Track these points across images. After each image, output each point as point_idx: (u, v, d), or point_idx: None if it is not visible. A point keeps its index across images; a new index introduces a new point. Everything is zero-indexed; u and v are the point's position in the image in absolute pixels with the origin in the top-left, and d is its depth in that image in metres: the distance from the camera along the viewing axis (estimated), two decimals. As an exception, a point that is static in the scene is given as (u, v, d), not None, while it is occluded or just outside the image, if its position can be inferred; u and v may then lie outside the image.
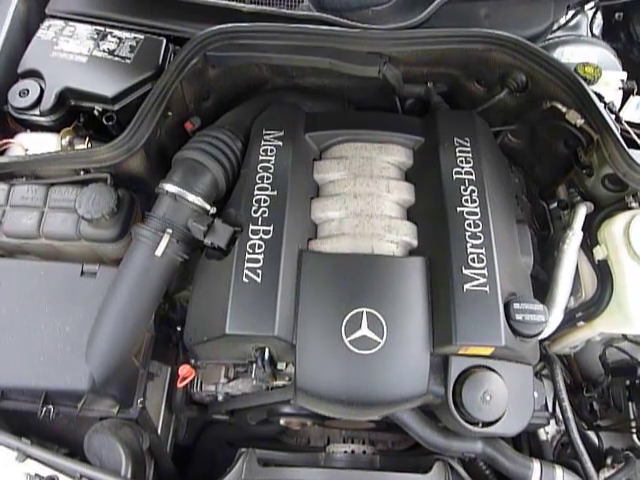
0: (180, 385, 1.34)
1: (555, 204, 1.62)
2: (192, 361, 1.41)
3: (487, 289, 1.21)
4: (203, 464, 1.79)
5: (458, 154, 1.42)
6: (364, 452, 1.50)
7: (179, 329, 1.54)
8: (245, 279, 1.21)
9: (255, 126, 1.49)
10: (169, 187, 1.31)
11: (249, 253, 1.25)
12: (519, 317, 1.19)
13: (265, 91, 1.67)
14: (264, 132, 1.46)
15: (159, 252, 1.25)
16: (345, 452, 1.48)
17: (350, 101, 1.75)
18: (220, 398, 1.55)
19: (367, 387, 1.18)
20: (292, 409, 1.49)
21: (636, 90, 1.54)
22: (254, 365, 1.32)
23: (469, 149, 1.43)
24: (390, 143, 1.50)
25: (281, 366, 1.33)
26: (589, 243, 1.41)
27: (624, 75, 1.55)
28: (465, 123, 1.50)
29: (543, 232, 1.64)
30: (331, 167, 1.46)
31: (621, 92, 1.52)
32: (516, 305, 1.21)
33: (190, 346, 1.29)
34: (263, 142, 1.43)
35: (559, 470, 1.23)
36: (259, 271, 1.22)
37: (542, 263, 1.56)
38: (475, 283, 1.21)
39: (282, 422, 1.57)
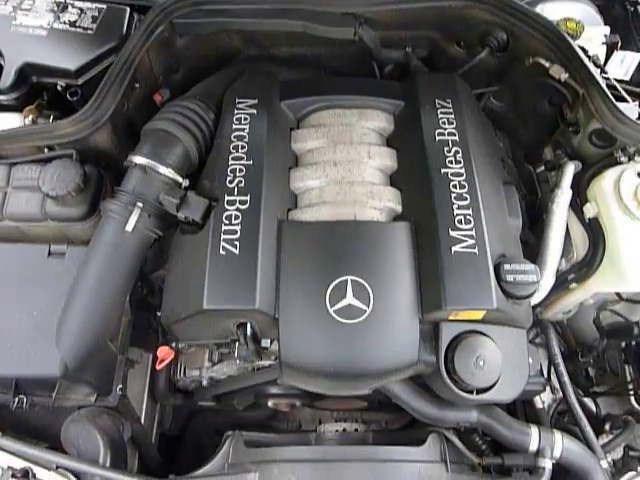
0: (159, 367, 1.27)
1: (542, 167, 1.57)
2: (172, 343, 1.34)
3: (476, 250, 1.16)
4: (191, 453, 1.73)
5: (440, 116, 1.36)
6: (356, 430, 1.45)
7: (159, 314, 1.48)
8: (222, 251, 1.15)
9: (227, 95, 1.42)
10: (138, 159, 1.24)
11: (225, 224, 1.18)
12: (510, 278, 1.14)
13: (238, 61, 1.60)
14: (237, 101, 1.39)
15: (130, 227, 1.18)
16: (337, 431, 1.43)
17: (327, 70, 1.69)
18: (205, 383, 1.50)
19: (355, 358, 1.12)
20: (279, 389, 1.44)
21: (620, 44, 1.49)
22: (237, 343, 1.27)
23: (451, 110, 1.38)
24: (370, 108, 1.44)
25: (265, 343, 1.27)
26: (578, 202, 1.36)
27: (607, 30, 1.50)
28: (446, 85, 1.45)
29: (531, 196, 1.60)
30: (309, 135, 1.40)
31: (605, 47, 1.48)
32: (506, 266, 1.16)
33: (168, 326, 1.23)
34: (236, 111, 1.36)
35: (558, 435, 1.18)
36: (237, 242, 1.16)
37: (531, 228, 1.51)
38: (463, 245, 1.16)
39: (270, 404, 1.51)
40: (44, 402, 1.25)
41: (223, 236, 1.16)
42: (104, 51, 1.38)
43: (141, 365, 1.54)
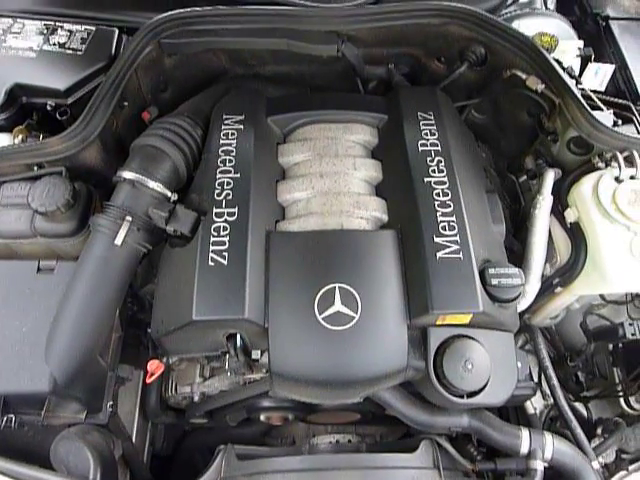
0: (149, 380, 1.27)
1: (524, 176, 1.61)
2: (163, 358, 1.34)
3: (460, 256, 1.18)
4: (183, 473, 1.71)
5: (422, 127, 1.40)
6: (349, 441, 1.44)
7: (149, 330, 1.48)
8: (211, 262, 1.16)
9: (215, 111, 1.45)
10: (127, 174, 1.25)
11: (214, 236, 1.20)
12: (495, 282, 1.17)
13: (225, 80, 1.64)
14: (224, 117, 1.42)
15: (119, 241, 1.19)
16: (330, 442, 1.42)
17: (312, 87, 1.73)
18: (196, 399, 1.49)
19: (344, 365, 1.13)
20: (271, 402, 1.44)
21: (593, 57, 1.55)
22: (227, 356, 1.27)
23: (433, 122, 1.42)
24: (354, 122, 1.48)
25: (256, 355, 1.27)
26: (560, 208, 1.39)
27: (580, 43, 1.56)
28: (427, 98, 1.49)
29: (514, 205, 1.63)
30: (295, 149, 1.43)
31: (579, 60, 1.54)
32: (491, 270, 1.18)
33: (158, 339, 1.23)
34: (223, 126, 1.39)
35: (549, 436, 1.19)
36: (225, 254, 1.17)
37: (515, 236, 1.54)
38: (448, 251, 1.19)
39: (263, 418, 1.50)
40: (33, 421, 1.23)
41: (212, 247, 1.18)
42: (93, 71, 1.42)
43: (132, 383, 1.53)
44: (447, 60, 1.61)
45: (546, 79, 1.40)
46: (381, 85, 1.71)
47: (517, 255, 1.44)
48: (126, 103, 1.43)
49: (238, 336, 1.19)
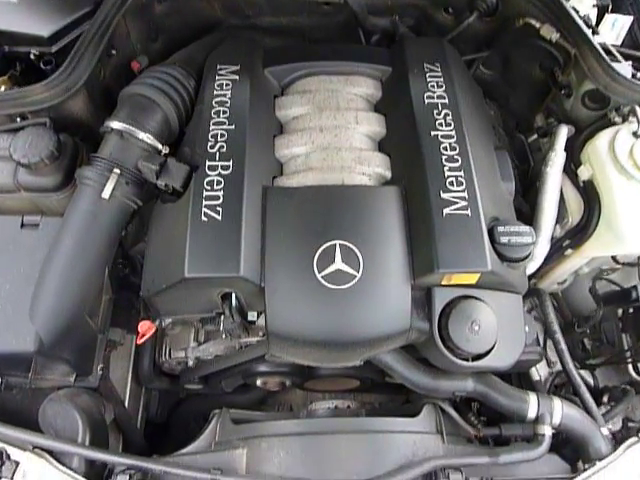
0: (140, 341, 1.21)
1: (534, 136, 1.53)
2: (155, 320, 1.29)
3: (468, 212, 1.11)
4: (178, 439, 1.67)
5: (429, 79, 1.32)
6: (348, 407, 1.40)
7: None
8: (204, 218, 1.10)
9: (208, 61, 1.37)
10: (115, 124, 1.18)
11: (207, 190, 1.13)
12: (504, 240, 1.10)
13: (219, 30, 1.55)
14: (218, 67, 1.34)
15: (106, 194, 1.12)
16: (328, 408, 1.38)
17: (311, 41, 1.64)
18: (191, 364, 1.44)
19: (345, 325, 1.07)
20: (268, 367, 1.39)
21: (610, 8, 1.46)
22: (222, 317, 1.21)
23: (440, 74, 1.34)
24: (356, 75, 1.40)
25: (252, 316, 1.21)
26: (572, 167, 1.32)
27: (597, -8, 1.47)
28: (434, 49, 1.41)
29: (523, 166, 1.56)
30: (294, 102, 1.35)
31: (595, 10, 1.44)
32: (500, 228, 1.12)
33: (148, 299, 1.17)
34: (217, 77, 1.31)
35: (557, 401, 1.14)
36: (219, 208, 1.11)
37: (524, 197, 1.48)
38: (455, 207, 1.12)
39: (259, 383, 1.46)
40: (21, 383, 1.19)
41: (205, 202, 1.11)
42: (79, 16, 1.33)
43: (124, 347, 1.48)
44: (455, 10, 1.52)
45: (561, 28, 1.32)
46: (385, 39, 1.62)
47: (526, 217, 1.38)
48: (114, 51, 1.35)
49: (233, 295, 1.14)
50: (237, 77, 1.32)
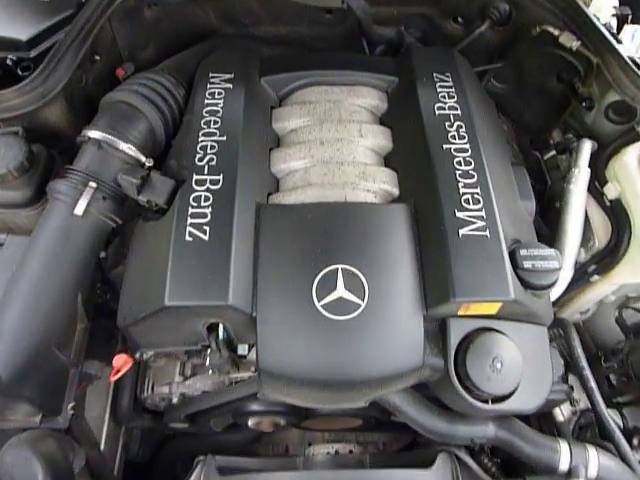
0: (113, 379, 1.07)
1: (551, 152, 1.42)
2: (136, 352, 1.15)
3: (487, 233, 0.99)
4: (162, 483, 1.52)
5: (439, 89, 1.22)
6: (351, 452, 1.25)
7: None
8: (189, 237, 0.97)
9: (200, 69, 1.26)
10: (93, 133, 1.06)
11: (193, 207, 1.01)
12: (528, 265, 0.98)
13: (214, 38, 1.45)
14: (211, 75, 1.23)
15: (79, 210, 1.00)
16: (328, 453, 1.22)
17: (311, 52, 1.55)
18: (175, 401, 1.29)
19: (348, 362, 0.94)
20: (260, 406, 1.24)
21: (630, 18, 1.36)
22: (209, 350, 1.08)
23: (451, 83, 1.23)
24: (360, 85, 1.29)
25: (242, 350, 1.09)
26: (597, 185, 1.21)
27: (616, 2, 1.37)
28: (444, 58, 1.31)
29: (539, 186, 1.44)
30: (292, 113, 1.24)
31: (615, 20, 1.35)
32: (523, 251, 0.99)
33: (125, 329, 1.03)
34: (209, 85, 1.21)
35: (592, 450, 1.00)
36: (206, 227, 0.98)
37: (542, 218, 1.36)
38: (472, 227, 1.00)
39: (251, 423, 1.31)
40: (-22, 425, 1.04)
41: (190, 220, 0.99)
42: (60, 19, 1.23)
43: (102, 381, 1.33)
44: (465, 20, 1.43)
45: (582, 35, 1.22)
46: (390, 50, 1.52)
47: (545, 240, 1.25)
48: (98, 57, 1.25)
49: (221, 327, 1.00)
50: (230, 86, 1.21)
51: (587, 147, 1.21)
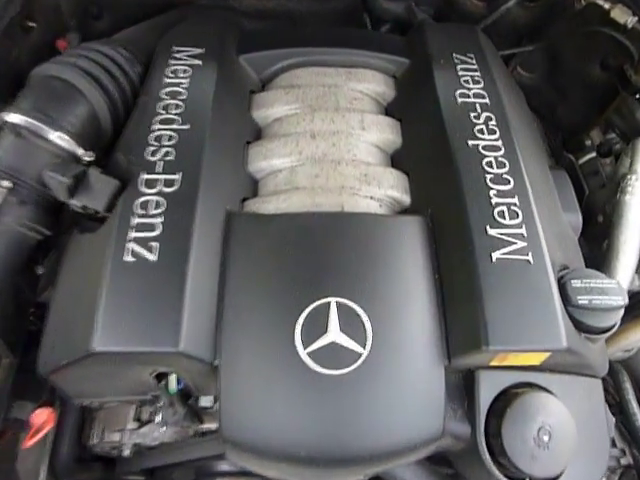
0: (28, 443, 0.81)
1: (588, 155, 1.18)
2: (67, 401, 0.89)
3: (529, 257, 0.75)
4: None
5: (461, 72, 0.98)
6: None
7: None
8: (130, 257, 0.72)
9: (162, 42, 1.02)
10: (12, 117, 0.81)
11: (139, 216, 0.75)
12: (583, 301, 0.74)
13: (186, 8, 1.20)
14: (175, 49, 0.99)
15: (-15, 219, 0.74)
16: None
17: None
18: (127, 453, 1.04)
19: (341, 432, 0.69)
20: (230, 465, 0.99)
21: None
22: (161, 403, 0.83)
23: (475, 67, 0.99)
24: (362, 67, 1.05)
25: (206, 402, 0.84)
26: (655, 196, 0.97)
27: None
28: (465, 37, 1.07)
29: (573, 195, 1.21)
30: (276, 98, 0.99)
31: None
32: (575, 282, 0.75)
33: (47, 376, 0.78)
34: (172, 60, 0.96)
35: None
36: (154, 244, 0.73)
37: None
38: (509, 249, 0.75)
39: (219, 485, 1.05)
40: None
41: (133, 234, 0.73)
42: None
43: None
44: (488, -6, 1.19)
45: (638, 10, 0.98)
46: (397, 29, 1.28)
47: (587, 263, 1.02)
48: (33, 24, 0.99)
49: (172, 378, 0.75)
50: (199, 62, 0.96)
51: (646, 147, 0.97)
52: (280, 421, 0.69)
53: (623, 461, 1.05)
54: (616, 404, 1.00)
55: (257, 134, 0.99)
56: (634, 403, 0.93)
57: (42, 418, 0.80)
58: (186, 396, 0.81)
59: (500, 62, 1.10)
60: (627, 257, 0.93)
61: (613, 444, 0.93)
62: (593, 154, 1.18)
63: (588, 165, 1.20)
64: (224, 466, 1.00)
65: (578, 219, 0.92)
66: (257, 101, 1.00)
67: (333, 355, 0.69)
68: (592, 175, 1.19)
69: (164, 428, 0.91)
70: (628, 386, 0.95)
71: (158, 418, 0.86)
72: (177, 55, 0.97)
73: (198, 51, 0.98)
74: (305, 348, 0.69)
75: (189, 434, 0.99)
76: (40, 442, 1.10)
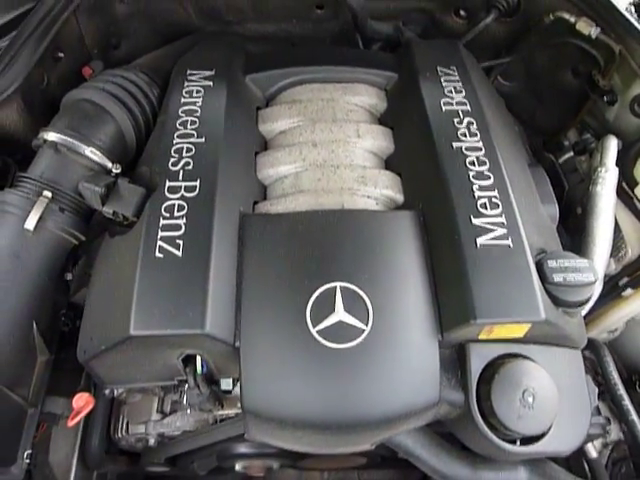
0: (71, 423, 0.91)
1: (568, 154, 1.29)
2: (102, 390, 0.99)
3: (509, 242, 0.85)
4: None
5: (445, 84, 1.09)
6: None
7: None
8: (159, 254, 0.82)
9: (177, 66, 1.13)
10: (50, 135, 0.92)
11: (165, 218, 0.86)
12: (558, 278, 0.84)
13: (195, 35, 1.32)
14: (188, 72, 1.10)
15: (30, 224, 0.85)
16: (328, 500, 1.06)
17: (302, 49, 1.42)
18: (152, 442, 1.13)
19: (350, 398, 0.78)
20: (249, 447, 1.08)
21: (650, 5, 1.25)
22: (186, 386, 0.92)
23: (457, 78, 1.11)
24: (356, 82, 1.16)
25: (226, 385, 0.93)
26: (625, 187, 1.07)
27: (633, -11, 1.26)
28: (447, 51, 1.18)
29: (554, 191, 1.31)
30: (281, 113, 1.10)
31: (632, 8, 1.24)
32: (551, 262, 0.85)
33: (86, 363, 0.87)
34: (187, 83, 1.07)
35: (642, 500, 0.85)
36: (179, 241, 0.83)
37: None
38: (491, 235, 0.85)
39: (238, 467, 1.14)
40: None
41: (161, 233, 0.84)
42: (21, 13, 1.09)
43: (69, 421, 1.17)
44: (468, 12, 1.31)
45: (601, 22, 1.10)
46: (387, 47, 1.40)
47: (568, 249, 1.11)
48: (62, 54, 1.11)
49: (198, 359, 0.85)
50: (211, 83, 1.08)
51: (613, 145, 1.08)
52: (295, 391, 0.78)
53: (613, 436, 1.14)
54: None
55: (264, 145, 1.10)
56: (615, 374, 1.02)
57: (82, 401, 0.90)
58: (209, 380, 0.91)
59: (480, 73, 1.21)
60: (602, 242, 1.03)
61: (598, 412, 1.01)
62: (571, 153, 1.28)
63: (567, 163, 1.31)
64: (243, 448, 1.09)
65: (555, 210, 1.02)
66: (263, 116, 1.11)
67: (340, 332, 0.79)
68: (571, 172, 1.30)
69: (188, 412, 1.00)
70: (609, 360, 1.04)
71: (184, 401, 0.95)
72: (191, 77, 1.09)
73: (209, 73, 1.10)
74: (315, 326, 0.79)
75: (209, 422, 1.08)
76: (71, 436, 1.21)
